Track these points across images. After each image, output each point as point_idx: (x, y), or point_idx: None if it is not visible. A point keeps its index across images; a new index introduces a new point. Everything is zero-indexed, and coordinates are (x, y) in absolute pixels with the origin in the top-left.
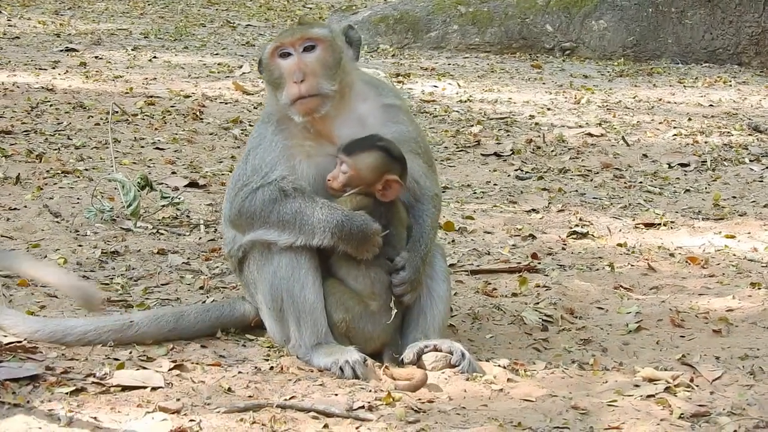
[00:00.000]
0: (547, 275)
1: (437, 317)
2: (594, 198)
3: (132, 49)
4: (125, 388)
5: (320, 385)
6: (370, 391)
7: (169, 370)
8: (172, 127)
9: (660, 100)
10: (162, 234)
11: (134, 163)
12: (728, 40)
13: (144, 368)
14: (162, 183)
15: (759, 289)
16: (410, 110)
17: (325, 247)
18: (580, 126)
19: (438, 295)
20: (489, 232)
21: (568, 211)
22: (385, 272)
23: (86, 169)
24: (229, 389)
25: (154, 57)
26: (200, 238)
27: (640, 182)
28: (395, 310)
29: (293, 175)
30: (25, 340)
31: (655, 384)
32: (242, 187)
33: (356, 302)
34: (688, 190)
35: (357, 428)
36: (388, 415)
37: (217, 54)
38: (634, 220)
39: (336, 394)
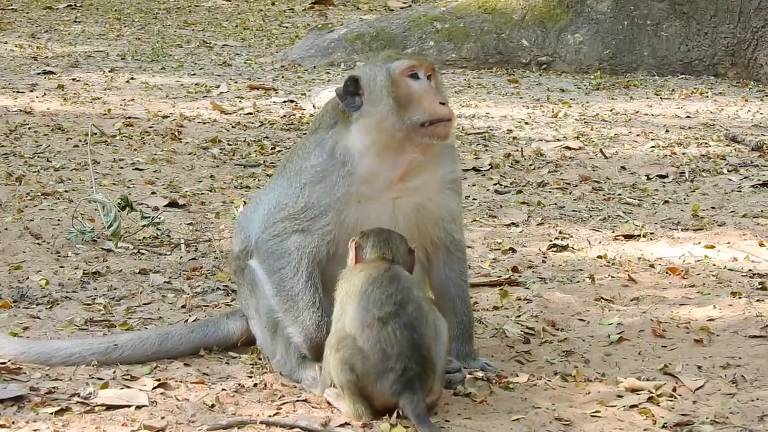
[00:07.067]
0: (528, 288)
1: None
2: (573, 211)
3: (109, 71)
4: (110, 407)
5: (303, 401)
6: None
7: (153, 388)
8: (151, 147)
9: (637, 112)
10: (143, 254)
11: (114, 184)
12: (704, 51)
13: (128, 387)
14: (142, 203)
15: (739, 298)
16: None
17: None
18: (557, 139)
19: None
20: (469, 246)
21: (547, 224)
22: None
23: (66, 191)
24: (213, 406)
25: (132, 78)
26: (181, 257)
27: (619, 194)
28: None
29: (336, 230)
30: (9, 361)
31: (637, 394)
32: (285, 219)
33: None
34: (666, 201)
35: None
36: (371, 430)
37: (194, 74)
38: (613, 231)
39: (319, 410)
